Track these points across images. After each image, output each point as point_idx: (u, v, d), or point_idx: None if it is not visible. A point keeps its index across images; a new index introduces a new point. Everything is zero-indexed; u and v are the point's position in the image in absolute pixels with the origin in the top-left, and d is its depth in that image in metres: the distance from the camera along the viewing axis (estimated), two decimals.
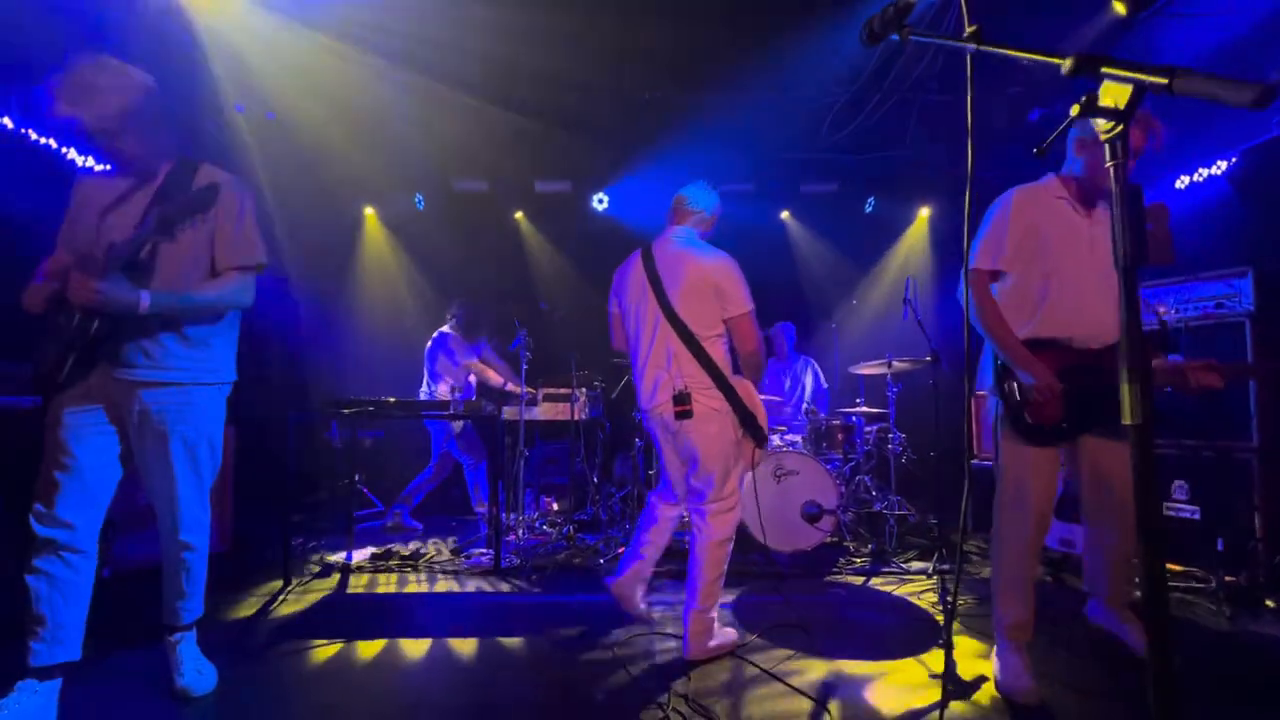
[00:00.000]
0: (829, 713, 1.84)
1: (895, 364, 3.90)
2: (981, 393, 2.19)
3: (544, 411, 4.30)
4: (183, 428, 1.89)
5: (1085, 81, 0.78)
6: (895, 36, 1.12)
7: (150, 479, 1.91)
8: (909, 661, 2.20)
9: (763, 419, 2.31)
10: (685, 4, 3.69)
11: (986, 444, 3.98)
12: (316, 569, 3.37)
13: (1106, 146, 0.73)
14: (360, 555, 3.58)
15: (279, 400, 4.31)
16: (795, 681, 2.03)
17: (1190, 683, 1.99)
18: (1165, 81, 0.64)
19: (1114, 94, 0.70)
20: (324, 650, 2.29)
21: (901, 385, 4.13)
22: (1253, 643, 2.33)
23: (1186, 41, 3.52)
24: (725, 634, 2.30)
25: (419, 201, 5.76)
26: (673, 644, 2.35)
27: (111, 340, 1.80)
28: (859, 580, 3.19)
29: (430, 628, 2.53)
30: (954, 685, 2.01)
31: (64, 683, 1.78)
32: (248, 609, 2.75)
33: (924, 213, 6.07)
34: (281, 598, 2.91)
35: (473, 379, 4.49)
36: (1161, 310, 3.21)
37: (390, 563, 3.48)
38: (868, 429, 4.35)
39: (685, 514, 2.41)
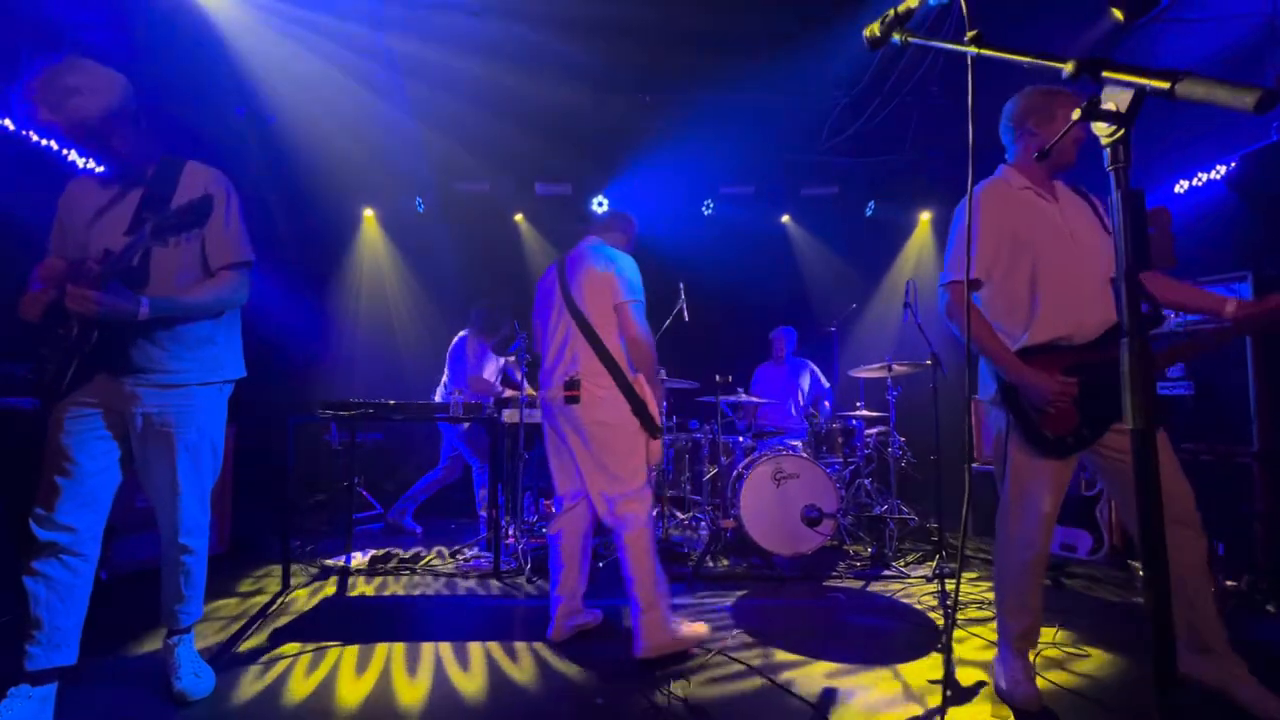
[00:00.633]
0: (828, 718, 1.83)
1: (895, 367, 3.90)
2: (980, 399, 2.11)
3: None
4: (185, 430, 1.89)
5: (1085, 85, 0.78)
6: (897, 40, 1.13)
7: (151, 481, 1.91)
8: (909, 666, 2.19)
9: (654, 410, 2.32)
10: (687, 7, 3.70)
11: (987, 449, 3.98)
12: (316, 571, 3.36)
13: (1108, 150, 0.73)
14: (360, 558, 3.57)
15: (278, 402, 4.30)
16: (794, 686, 2.02)
17: (1192, 688, 1.98)
18: (1167, 85, 0.64)
19: (1115, 98, 0.70)
20: (323, 653, 2.28)
21: (901, 389, 4.13)
22: (1254, 648, 2.32)
23: (1184, 47, 3.53)
24: (682, 630, 2.30)
25: (419, 204, 5.76)
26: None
27: (112, 348, 1.79)
28: (859, 584, 3.19)
29: (429, 631, 2.52)
30: (954, 690, 2.00)
31: (61, 686, 1.77)
32: (247, 612, 2.74)
33: (925, 216, 6.08)
34: (280, 600, 2.90)
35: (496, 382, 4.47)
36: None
37: (390, 565, 3.47)
38: (868, 432, 4.35)
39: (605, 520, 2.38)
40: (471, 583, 3.20)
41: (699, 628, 2.36)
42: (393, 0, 3.51)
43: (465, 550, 3.79)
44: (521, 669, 2.18)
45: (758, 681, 2.06)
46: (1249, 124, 3.68)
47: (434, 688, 2.04)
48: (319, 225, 5.70)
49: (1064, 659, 2.24)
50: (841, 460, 4.16)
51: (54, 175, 3.56)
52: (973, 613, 2.73)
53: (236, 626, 2.56)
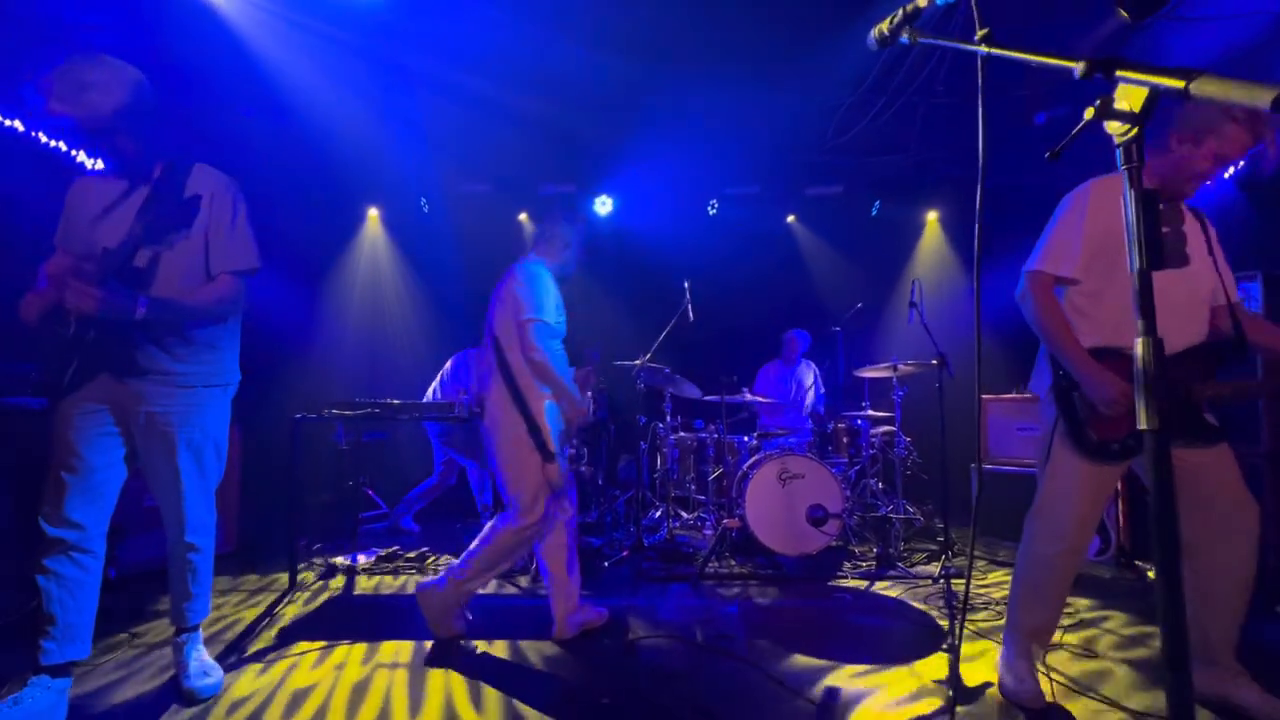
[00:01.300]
0: (834, 718, 1.83)
1: (901, 367, 3.89)
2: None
3: None
4: (189, 430, 1.90)
5: (1095, 84, 0.78)
6: (905, 40, 1.12)
7: (156, 481, 1.92)
8: (915, 666, 2.18)
9: (547, 435, 2.29)
10: (692, 6, 3.70)
11: (994, 449, 3.97)
12: (322, 570, 3.37)
13: (1121, 150, 0.72)
14: (365, 557, 3.58)
15: (284, 402, 4.31)
16: (800, 686, 2.02)
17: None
18: (1181, 84, 0.64)
19: (1129, 97, 0.69)
20: (329, 651, 2.29)
21: (907, 389, 4.12)
22: (1263, 648, 2.31)
23: (1191, 46, 3.51)
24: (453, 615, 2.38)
25: (424, 205, 5.77)
26: (679, 648, 2.34)
27: (113, 347, 1.80)
28: (864, 584, 3.18)
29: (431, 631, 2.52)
30: (961, 691, 2.00)
31: (71, 681, 1.79)
32: (253, 610, 2.76)
33: (930, 216, 6.07)
34: (287, 599, 2.91)
35: None
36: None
37: (395, 564, 3.48)
38: (873, 432, 4.34)
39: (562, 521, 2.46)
40: None
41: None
42: (398, 6, 3.52)
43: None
44: (527, 667, 2.18)
45: (763, 681, 2.06)
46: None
47: (440, 687, 2.04)
48: (324, 225, 5.72)
49: (1070, 658, 2.23)
50: (847, 460, 4.15)
51: (63, 175, 3.59)
52: (979, 613, 2.72)
53: (244, 625, 2.57)
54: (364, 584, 3.18)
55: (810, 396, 4.86)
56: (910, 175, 5.44)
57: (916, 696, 1.96)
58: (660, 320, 4.06)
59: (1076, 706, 1.89)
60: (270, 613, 2.73)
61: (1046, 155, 0.80)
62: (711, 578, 3.28)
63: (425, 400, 4.42)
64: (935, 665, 2.19)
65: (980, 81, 0.97)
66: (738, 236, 6.03)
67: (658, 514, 4.35)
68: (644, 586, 3.15)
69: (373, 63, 3.95)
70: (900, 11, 1.13)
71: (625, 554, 3.60)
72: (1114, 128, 0.72)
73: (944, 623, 2.62)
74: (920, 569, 3.41)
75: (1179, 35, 3.50)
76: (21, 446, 2.70)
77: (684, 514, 4.31)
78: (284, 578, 3.15)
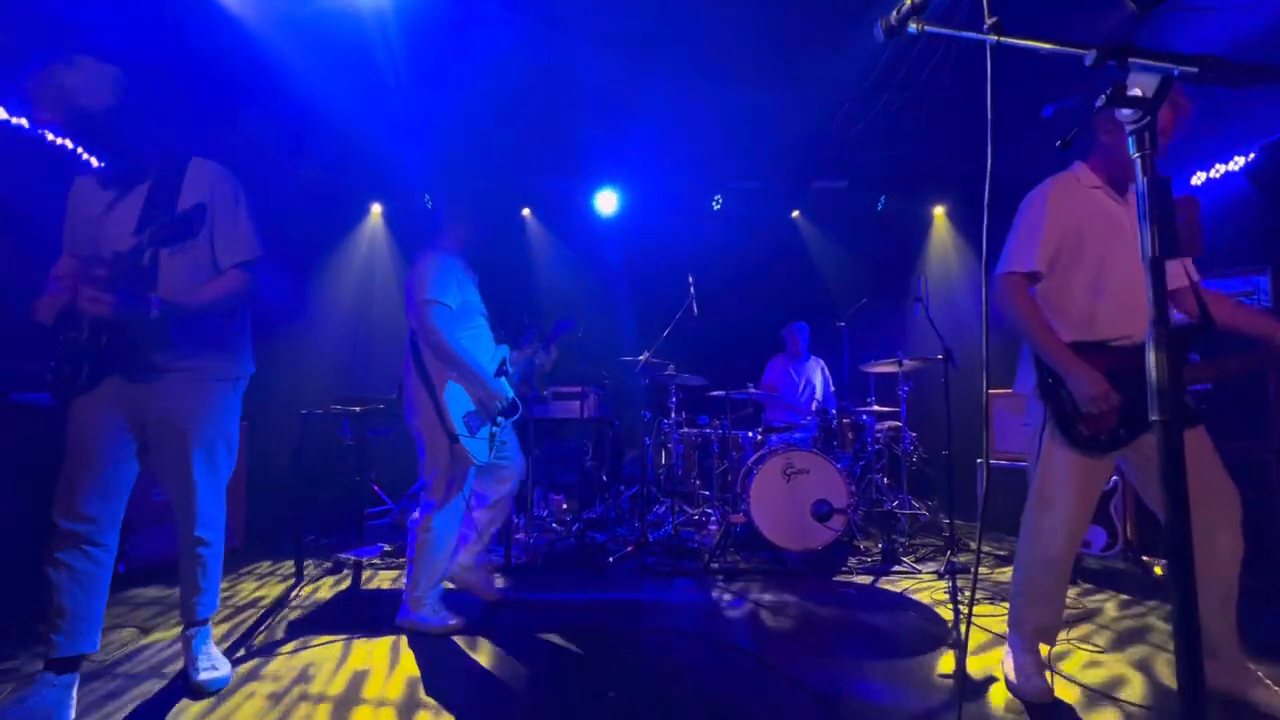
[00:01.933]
0: (840, 713, 1.83)
1: (906, 362, 3.88)
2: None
3: (554, 409, 4.30)
4: (199, 425, 1.91)
5: (1103, 73, 0.77)
6: (912, 30, 1.11)
7: (167, 475, 1.93)
8: (920, 661, 2.18)
9: (448, 416, 2.35)
10: (696, 3, 3.68)
11: (1000, 444, 3.95)
12: (329, 565, 3.39)
13: (1133, 138, 0.72)
14: (372, 552, 3.60)
15: (291, 398, 4.33)
16: (806, 681, 2.02)
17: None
18: (1196, 70, 0.63)
19: (1141, 84, 0.69)
20: (336, 646, 2.31)
21: (913, 384, 4.10)
22: (1271, 647, 2.30)
23: (1202, 36, 3.47)
24: (430, 617, 2.41)
25: (428, 201, 5.77)
26: (684, 643, 2.35)
27: (125, 351, 1.81)
28: (869, 579, 3.17)
29: None
30: (967, 685, 1.99)
31: (81, 675, 1.80)
32: (261, 605, 2.77)
33: (935, 210, 6.03)
34: (294, 593, 2.93)
35: None
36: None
37: (402, 559, 3.49)
38: (878, 427, 4.32)
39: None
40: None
41: (444, 619, 2.44)
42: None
43: None
44: (534, 661, 2.19)
45: (768, 676, 2.06)
46: (1268, 115, 3.61)
47: (448, 680, 2.05)
48: (328, 220, 5.72)
49: (1076, 653, 2.22)
50: (852, 455, 4.14)
51: (68, 173, 3.59)
52: (984, 608, 2.72)
53: (253, 619, 2.59)
54: (370, 579, 3.19)
55: (819, 393, 4.85)
56: (916, 170, 5.41)
57: (922, 692, 1.95)
58: (665, 315, 4.06)
59: (1083, 702, 1.88)
60: (279, 607, 2.75)
61: (1058, 144, 0.80)
62: (716, 573, 3.28)
63: None
64: (941, 661, 2.18)
65: (989, 71, 0.96)
66: (742, 231, 6.01)
67: (662, 509, 4.36)
68: (649, 582, 3.15)
69: (373, 59, 3.94)
70: (907, 1, 1.12)
71: (630, 549, 3.60)
72: (1126, 116, 0.71)
73: (950, 618, 2.62)
74: (926, 564, 3.41)
75: (1189, 26, 3.46)
76: (33, 442, 2.72)
77: (689, 509, 4.31)
78: (292, 573, 3.17)
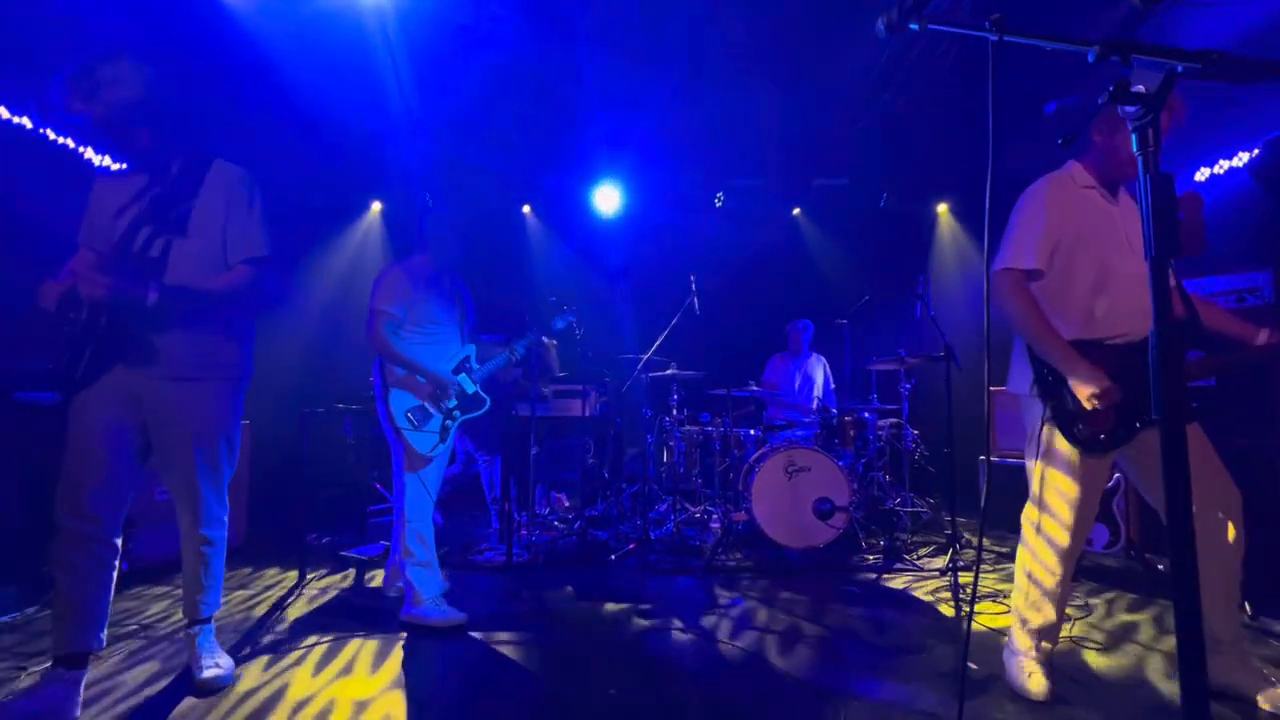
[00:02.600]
0: (842, 710, 1.83)
1: (908, 360, 3.87)
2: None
3: (555, 407, 4.30)
4: (202, 424, 1.92)
5: (1107, 69, 0.77)
6: (914, 26, 1.11)
7: (170, 475, 1.94)
8: (922, 659, 2.18)
9: (392, 415, 2.57)
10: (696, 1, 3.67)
11: (1002, 441, 3.95)
12: (331, 564, 3.40)
13: (1136, 135, 0.71)
14: (374, 550, 3.60)
15: (293, 396, 4.34)
16: (808, 679, 2.02)
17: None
18: (1199, 66, 0.63)
19: (1144, 80, 0.68)
20: (340, 643, 2.31)
21: (915, 381, 4.09)
22: (1274, 643, 2.29)
23: (1203, 32, 3.45)
24: (432, 610, 2.50)
25: (429, 200, 5.77)
26: (686, 639, 2.35)
27: (127, 338, 1.82)
28: (871, 577, 3.18)
29: None
30: (969, 683, 1.99)
31: (86, 672, 1.81)
32: (264, 603, 2.78)
33: (937, 207, 6.02)
34: (297, 592, 2.93)
35: None
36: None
37: None
38: (880, 425, 4.32)
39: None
40: (485, 575, 3.22)
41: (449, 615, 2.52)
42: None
43: (479, 543, 3.81)
44: (536, 659, 2.19)
45: (771, 675, 2.06)
46: (1271, 109, 3.60)
47: (449, 678, 2.06)
48: (329, 218, 5.73)
49: (1078, 651, 2.22)
50: (854, 453, 4.14)
51: (70, 172, 3.60)
52: (986, 605, 2.72)
53: (256, 617, 2.60)
54: (372, 578, 3.19)
55: (819, 390, 4.85)
56: (918, 167, 5.39)
57: (924, 690, 1.95)
58: (666, 313, 4.06)
59: (1084, 699, 1.88)
60: (281, 605, 2.75)
61: (1060, 141, 0.79)
62: (718, 571, 3.29)
63: None
64: (943, 658, 2.18)
65: (992, 68, 0.95)
66: (744, 229, 6.00)
67: (664, 507, 4.36)
68: (651, 580, 3.15)
69: (374, 56, 3.94)
70: None
71: (632, 547, 3.61)
72: (1129, 112, 0.71)
73: (951, 615, 2.62)
74: (927, 562, 3.41)
75: (1191, 22, 3.44)
76: (35, 441, 2.73)
77: (690, 507, 4.31)
78: (295, 571, 3.18)
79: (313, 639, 2.35)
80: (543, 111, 4.68)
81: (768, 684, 2.00)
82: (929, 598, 2.85)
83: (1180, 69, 0.65)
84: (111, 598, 1.86)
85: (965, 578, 3.01)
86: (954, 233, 5.98)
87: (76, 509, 1.77)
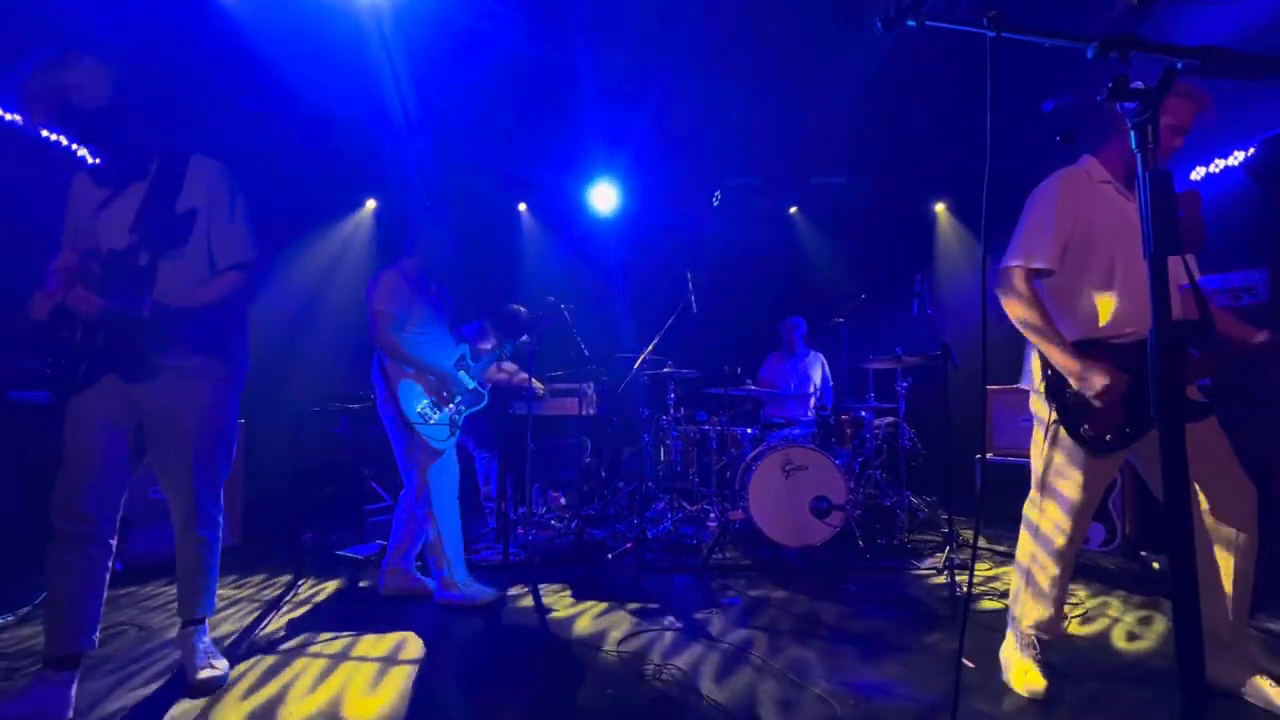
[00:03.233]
0: (838, 708, 1.83)
1: (905, 359, 3.87)
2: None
3: (552, 406, 4.30)
4: (197, 425, 1.91)
5: (1105, 66, 0.76)
6: (911, 22, 1.10)
7: (165, 475, 1.93)
8: (919, 657, 2.18)
9: (403, 410, 2.65)
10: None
11: (999, 440, 3.96)
12: (327, 563, 3.38)
13: (1135, 131, 0.71)
14: (371, 549, 3.59)
15: (289, 395, 4.32)
16: (804, 678, 2.02)
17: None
18: (1199, 62, 0.62)
19: (1144, 77, 0.68)
20: (336, 643, 2.30)
21: (912, 380, 4.10)
22: (1268, 642, 2.30)
23: (1203, 29, 3.45)
24: (465, 592, 2.70)
25: (426, 199, 5.75)
26: (680, 638, 2.34)
27: (120, 350, 1.80)
28: (868, 575, 3.18)
29: (440, 621, 2.54)
30: (966, 681, 1.99)
31: (79, 673, 1.80)
32: (260, 602, 2.77)
33: (939, 207, 6.02)
34: (293, 591, 2.92)
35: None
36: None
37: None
38: (877, 423, 4.32)
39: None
40: (482, 574, 3.21)
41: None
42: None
43: (475, 542, 3.80)
44: (533, 659, 2.19)
45: (768, 673, 2.06)
46: (1267, 109, 3.60)
47: (445, 678, 2.05)
48: (323, 216, 5.70)
49: (1074, 648, 2.23)
50: (851, 452, 4.14)
51: (63, 170, 3.57)
52: (984, 604, 2.72)
53: (251, 617, 2.59)
54: (369, 576, 3.18)
55: (817, 388, 4.85)
56: (915, 164, 5.39)
57: (921, 687, 1.96)
58: (663, 312, 4.05)
59: (1081, 697, 1.88)
60: (276, 605, 2.74)
61: (1058, 138, 0.79)
62: (715, 570, 3.28)
63: None
64: (941, 656, 2.18)
65: (990, 64, 0.95)
66: (740, 227, 6.00)
67: (661, 506, 4.35)
68: (647, 578, 3.15)
69: (368, 53, 3.92)
70: None
71: (629, 546, 3.60)
72: (1128, 109, 0.70)
73: (948, 613, 2.62)
74: (924, 560, 3.41)
75: (1189, 19, 3.44)
76: (30, 441, 2.71)
77: (687, 506, 4.31)
78: (290, 570, 3.17)
79: (309, 638, 2.34)
80: (538, 108, 4.67)
81: (764, 681, 1.99)
82: (926, 596, 2.85)
83: (1180, 65, 0.64)
84: (105, 598, 1.85)
85: (961, 576, 3.02)
86: (952, 231, 5.98)
87: (71, 509, 1.76)
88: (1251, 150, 3.71)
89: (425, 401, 2.72)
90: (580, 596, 2.85)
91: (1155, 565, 3.15)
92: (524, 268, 6.07)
